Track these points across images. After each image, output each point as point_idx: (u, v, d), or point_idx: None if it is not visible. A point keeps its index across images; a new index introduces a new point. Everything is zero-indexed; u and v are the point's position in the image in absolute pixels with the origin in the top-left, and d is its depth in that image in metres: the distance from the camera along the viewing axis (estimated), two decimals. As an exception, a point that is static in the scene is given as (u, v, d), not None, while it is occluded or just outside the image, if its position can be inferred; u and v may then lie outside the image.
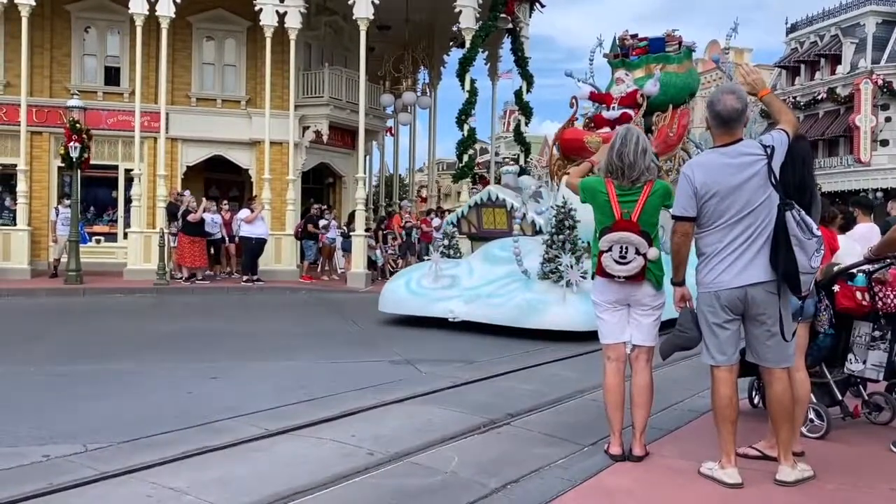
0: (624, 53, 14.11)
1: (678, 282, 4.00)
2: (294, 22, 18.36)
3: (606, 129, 13.07)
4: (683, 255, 3.94)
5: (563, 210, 10.04)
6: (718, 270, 3.80)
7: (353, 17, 18.09)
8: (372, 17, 17.96)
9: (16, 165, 17.32)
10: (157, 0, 17.40)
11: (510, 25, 20.57)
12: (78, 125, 15.64)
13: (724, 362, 3.87)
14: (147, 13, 17.41)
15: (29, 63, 17.68)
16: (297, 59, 18.83)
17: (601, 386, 4.43)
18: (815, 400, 4.72)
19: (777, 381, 3.86)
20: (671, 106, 13.39)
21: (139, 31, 17.55)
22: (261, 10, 18.18)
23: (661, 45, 14.00)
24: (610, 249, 4.13)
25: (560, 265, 9.72)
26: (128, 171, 18.93)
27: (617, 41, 14.48)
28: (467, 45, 18.79)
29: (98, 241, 19.33)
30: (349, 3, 17.98)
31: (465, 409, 5.67)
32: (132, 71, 18.61)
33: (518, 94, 21.29)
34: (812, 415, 4.67)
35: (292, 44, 18.44)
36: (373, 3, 17.74)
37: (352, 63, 20.83)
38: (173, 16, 17.66)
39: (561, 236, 9.97)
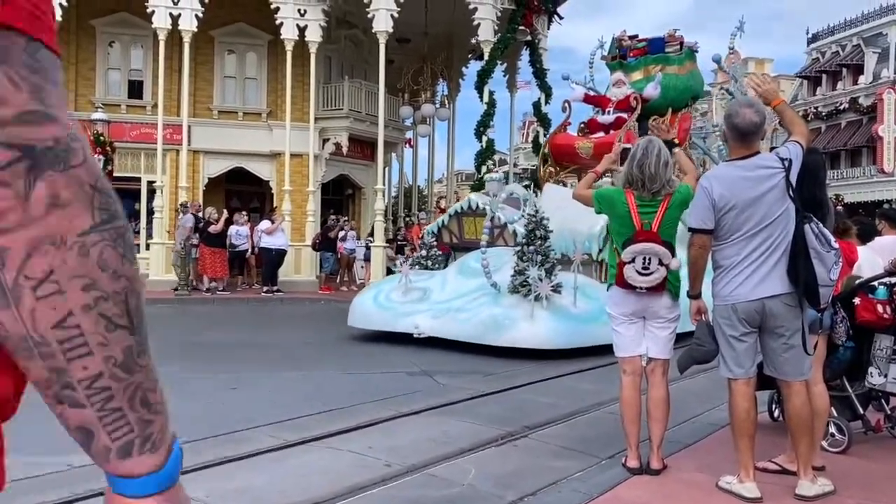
0: (622, 55, 13.61)
1: (694, 294, 3.99)
2: (314, 35, 18.55)
3: (601, 134, 12.76)
4: (700, 267, 3.93)
5: (534, 219, 9.44)
6: (736, 283, 3.79)
7: (373, 31, 18.25)
8: (391, 31, 18.11)
9: (41, 178, 17.57)
10: (179, 14, 17.69)
11: (529, 37, 20.63)
12: (102, 138, 15.88)
13: (741, 375, 3.84)
14: (170, 27, 17.71)
15: (54, 77, 17.95)
16: (317, 72, 19.01)
17: (618, 399, 4.42)
18: (835, 414, 4.68)
19: (795, 394, 3.83)
20: (670, 109, 12.93)
21: (162, 45, 17.83)
22: (282, 23, 18.40)
23: (661, 46, 13.48)
24: (633, 261, 4.11)
25: (529, 278, 9.11)
26: (150, 182, 19.17)
27: (614, 42, 14.04)
28: (486, 57, 18.87)
29: (120, 253, 19.53)
30: (369, 16, 18.15)
31: (482, 421, 5.67)
32: (155, 84, 18.89)
33: (537, 105, 21.31)
34: (833, 429, 4.62)
35: (313, 57, 18.63)
36: (392, 16, 17.89)
37: (371, 76, 20.98)
38: (196, 30, 17.94)
39: (531, 247, 9.33)
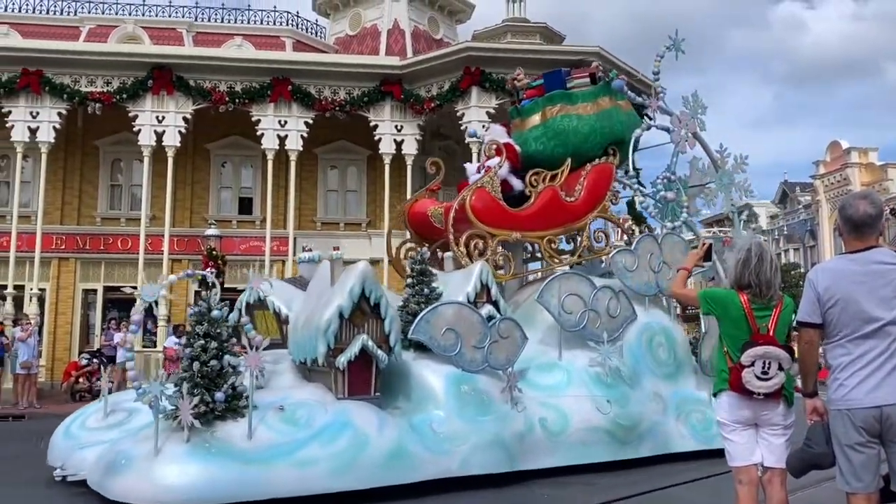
0: (519, 98, 11.00)
1: (808, 393, 3.83)
2: (410, 149, 19.48)
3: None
4: (810, 364, 3.79)
5: (200, 312, 6.40)
6: (848, 386, 3.59)
7: (466, 141, 18.96)
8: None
9: (159, 291, 18.69)
10: (286, 136, 18.99)
11: (619, 139, 20.80)
12: (214, 252, 16.88)
13: (859, 489, 3.55)
14: (277, 148, 18.99)
15: (172, 197, 19.43)
16: (413, 181, 19.81)
17: (733, 511, 4.22)
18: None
19: None
20: (568, 161, 9.98)
21: (270, 164, 19.10)
22: (380, 139, 19.44)
23: (559, 81, 10.53)
24: (752, 364, 3.98)
25: (152, 395, 5.98)
26: (258, 293, 20.04)
27: (507, 85, 11.65)
28: (576, 159, 19.10)
29: (228, 361, 20.29)
30: (462, 128, 18.93)
31: (591, 533, 5.48)
32: (263, 200, 20.10)
33: (630, 203, 21.19)
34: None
35: (409, 168, 19.49)
36: (483, 127, 18.55)
37: (465, 182, 21.63)
38: (301, 149, 19.16)
39: (188, 350, 6.27)
